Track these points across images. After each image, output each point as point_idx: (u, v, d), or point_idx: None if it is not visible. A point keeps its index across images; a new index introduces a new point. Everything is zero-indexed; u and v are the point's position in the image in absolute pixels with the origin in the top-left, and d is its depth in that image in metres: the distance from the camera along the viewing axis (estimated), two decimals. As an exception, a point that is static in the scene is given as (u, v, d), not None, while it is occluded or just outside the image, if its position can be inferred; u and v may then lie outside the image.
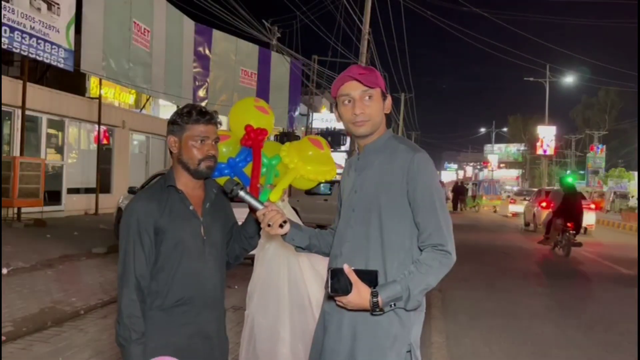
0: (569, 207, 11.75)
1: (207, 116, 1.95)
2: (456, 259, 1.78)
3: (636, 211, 22.65)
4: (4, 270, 6.83)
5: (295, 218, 2.82)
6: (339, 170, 3.40)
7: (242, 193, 1.95)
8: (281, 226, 1.92)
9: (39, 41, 10.75)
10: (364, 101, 1.87)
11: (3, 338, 4.56)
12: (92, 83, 16.77)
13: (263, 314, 3.12)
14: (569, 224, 11.53)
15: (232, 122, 3.10)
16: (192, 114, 1.93)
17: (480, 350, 5.00)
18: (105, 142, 15.45)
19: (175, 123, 1.96)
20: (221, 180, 2.16)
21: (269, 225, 1.91)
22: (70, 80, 14.81)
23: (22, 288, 6.28)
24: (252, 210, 2.02)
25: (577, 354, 5.02)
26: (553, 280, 9.05)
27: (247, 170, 3.01)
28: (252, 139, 2.94)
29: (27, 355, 4.38)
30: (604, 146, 52.26)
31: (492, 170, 69.54)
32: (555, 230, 12.06)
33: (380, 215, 1.81)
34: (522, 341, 5.33)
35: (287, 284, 3.09)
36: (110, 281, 6.87)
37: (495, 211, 30.09)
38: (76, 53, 11.98)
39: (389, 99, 1.95)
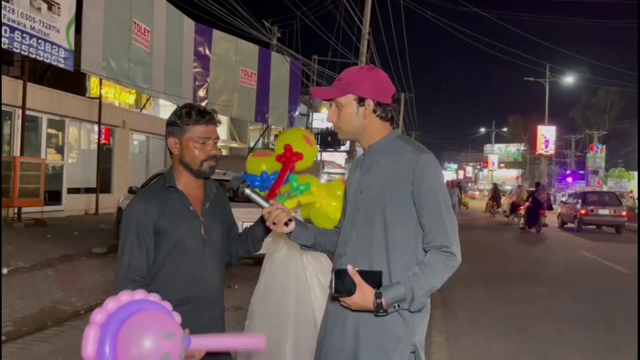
0: (494, 195, 26.36)
1: (207, 116, 1.94)
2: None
3: (636, 211, 22.67)
4: (4, 270, 6.82)
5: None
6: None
7: (247, 191, 1.94)
8: (286, 224, 1.90)
9: (39, 41, 10.74)
10: (333, 111, 1.89)
11: (3, 338, 4.56)
12: (92, 83, 16.75)
13: (265, 328, 3.06)
14: (494, 203, 25.79)
15: (278, 144, 3.40)
16: (192, 114, 1.92)
17: (480, 350, 5.00)
18: (105, 142, 15.44)
19: (175, 124, 1.94)
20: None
21: (274, 224, 1.90)
22: (71, 80, 14.79)
23: (22, 288, 6.27)
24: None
25: (577, 353, 5.02)
26: (553, 280, 9.04)
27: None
28: (286, 157, 3.22)
29: (27, 355, 4.38)
30: (604, 146, 52.22)
31: (493, 170, 69.69)
32: (488, 205, 26.68)
33: (384, 215, 1.79)
34: (522, 341, 5.33)
35: (294, 298, 3.03)
36: (110, 281, 6.86)
37: (466, 207, 33.13)
38: (76, 53, 11.98)
39: (368, 103, 1.83)
